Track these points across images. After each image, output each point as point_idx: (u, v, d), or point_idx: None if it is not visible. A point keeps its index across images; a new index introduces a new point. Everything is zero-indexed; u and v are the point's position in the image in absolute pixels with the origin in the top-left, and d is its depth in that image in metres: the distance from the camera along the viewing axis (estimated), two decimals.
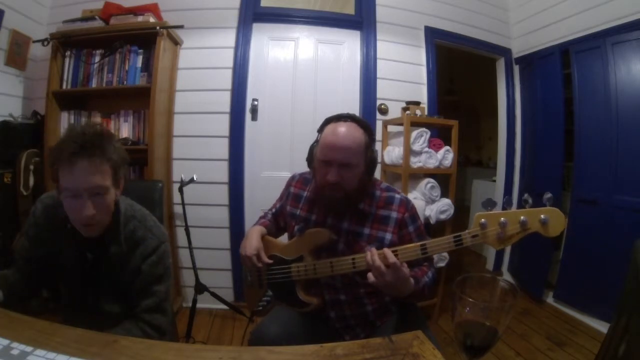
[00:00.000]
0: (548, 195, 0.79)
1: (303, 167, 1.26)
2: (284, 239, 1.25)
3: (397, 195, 1.12)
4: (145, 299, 0.99)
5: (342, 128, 1.03)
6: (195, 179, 2.11)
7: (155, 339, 0.98)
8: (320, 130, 1.10)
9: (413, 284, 0.95)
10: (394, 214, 1.08)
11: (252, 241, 1.15)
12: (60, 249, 1.00)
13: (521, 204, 0.83)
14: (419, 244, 0.93)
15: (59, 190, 0.88)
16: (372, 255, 0.91)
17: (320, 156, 1.04)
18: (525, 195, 0.82)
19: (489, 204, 0.84)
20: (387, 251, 0.90)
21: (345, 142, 1.01)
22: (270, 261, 1.13)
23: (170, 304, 1.10)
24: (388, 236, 1.07)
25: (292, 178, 1.28)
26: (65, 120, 2.19)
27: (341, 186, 1.02)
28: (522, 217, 0.81)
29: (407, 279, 0.91)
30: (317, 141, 1.10)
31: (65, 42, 2.14)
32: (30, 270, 1.02)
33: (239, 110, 2.40)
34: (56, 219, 0.97)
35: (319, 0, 2.65)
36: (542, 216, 0.79)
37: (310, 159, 1.13)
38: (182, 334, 1.87)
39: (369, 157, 1.06)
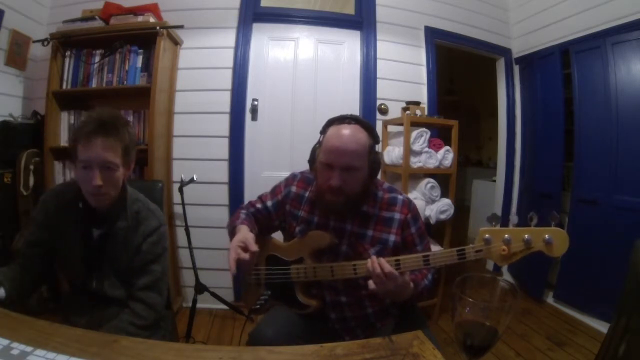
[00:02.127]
0: (554, 214, 0.79)
1: (303, 167, 1.25)
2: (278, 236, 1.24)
3: (400, 196, 1.12)
4: (142, 277, 1.05)
5: (346, 130, 1.01)
6: (195, 179, 2.11)
7: (150, 320, 1.03)
8: (323, 131, 1.07)
9: (412, 288, 0.95)
10: (397, 215, 1.08)
11: (240, 234, 1.00)
12: (65, 233, 1.04)
13: (527, 221, 0.82)
14: (421, 254, 0.93)
15: (76, 165, 0.99)
16: (373, 263, 0.90)
17: (323, 159, 1.02)
18: (531, 213, 0.81)
19: (494, 219, 0.84)
20: (383, 262, 0.91)
21: (349, 146, 0.99)
22: (257, 249, 0.95)
23: (166, 288, 1.13)
24: (392, 237, 1.06)
25: (293, 177, 1.24)
26: (65, 120, 2.18)
27: (343, 191, 1.00)
28: (526, 235, 0.80)
29: (407, 285, 0.92)
30: (319, 142, 1.08)
31: (65, 42, 2.14)
32: (33, 258, 1.05)
33: (239, 110, 2.40)
34: (66, 202, 1.05)
35: (319, 0, 2.65)
36: (546, 236, 0.79)
37: (312, 161, 1.11)
38: (182, 334, 1.86)
39: (372, 160, 1.04)
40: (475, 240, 0.87)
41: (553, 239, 0.78)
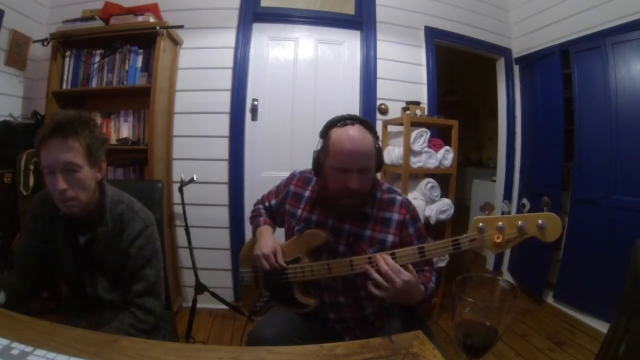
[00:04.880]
0: (546, 199, 0.79)
1: (303, 167, 1.26)
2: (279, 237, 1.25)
3: (399, 197, 1.11)
4: (136, 284, 1.03)
5: (354, 132, 0.99)
6: (195, 179, 2.11)
7: (150, 324, 1.02)
8: (324, 135, 1.06)
9: (423, 291, 0.95)
10: (395, 216, 1.08)
11: (267, 240, 1.13)
12: (55, 239, 1.03)
13: (519, 208, 0.83)
14: (416, 247, 0.93)
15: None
16: (379, 261, 0.91)
17: (336, 164, 0.99)
18: (523, 200, 0.83)
19: (487, 207, 0.84)
20: (387, 257, 0.91)
21: (362, 148, 0.98)
22: (285, 265, 1.09)
23: (163, 288, 1.11)
24: (390, 238, 1.06)
25: (292, 176, 1.24)
26: None
27: (359, 192, 1.00)
28: (519, 222, 0.81)
29: (416, 285, 0.91)
30: (321, 146, 1.06)
31: (65, 42, 2.13)
32: (30, 267, 1.04)
33: (239, 110, 2.40)
34: (51, 209, 1.01)
35: (319, 0, 2.65)
36: (539, 221, 0.79)
37: (317, 167, 1.08)
38: (182, 334, 1.87)
39: (378, 157, 1.05)
40: (469, 230, 0.87)
41: (546, 223, 0.79)
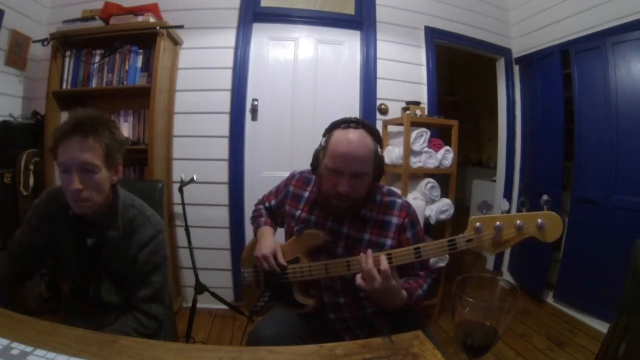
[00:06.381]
0: (545, 198, 0.77)
1: (302, 167, 1.26)
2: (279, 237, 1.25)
3: (399, 200, 1.10)
4: (143, 289, 1.01)
5: (354, 136, 0.98)
6: (195, 179, 2.11)
7: (153, 329, 1.01)
8: (326, 135, 1.06)
9: (405, 297, 0.94)
10: (395, 219, 1.07)
11: (267, 241, 1.13)
12: (59, 240, 1.01)
13: (519, 207, 0.82)
14: (412, 247, 0.92)
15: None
16: (367, 258, 0.90)
17: (331, 164, 0.99)
18: (522, 198, 0.80)
19: (485, 207, 0.83)
20: (381, 256, 0.90)
21: (358, 152, 0.97)
22: (285, 264, 1.09)
23: (168, 294, 1.10)
24: (389, 242, 1.06)
25: (292, 176, 1.25)
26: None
27: (350, 197, 0.99)
28: (518, 221, 0.79)
29: (397, 291, 0.91)
30: (322, 146, 1.06)
31: (65, 42, 2.13)
32: (24, 258, 1.03)
33: (239, 110, 2.40)
34: (59, 208, 1.00)
35: (319, 0, 2.65)
36: (539, 220, 0.77)
37: (315, 165, 1.09)
38: (182, 334, 1.87)
39: (378, 164, 1.04)
40: (466, 230, 0.85)
41: (546, 223, 0.76)
